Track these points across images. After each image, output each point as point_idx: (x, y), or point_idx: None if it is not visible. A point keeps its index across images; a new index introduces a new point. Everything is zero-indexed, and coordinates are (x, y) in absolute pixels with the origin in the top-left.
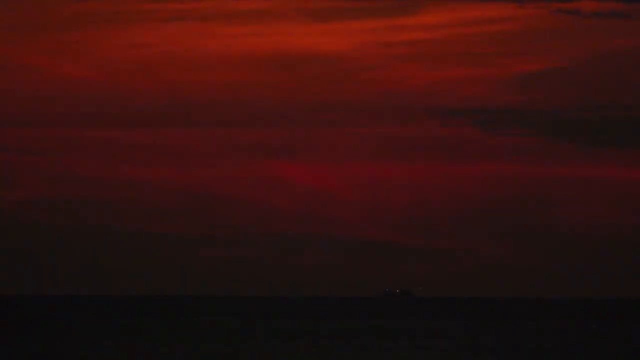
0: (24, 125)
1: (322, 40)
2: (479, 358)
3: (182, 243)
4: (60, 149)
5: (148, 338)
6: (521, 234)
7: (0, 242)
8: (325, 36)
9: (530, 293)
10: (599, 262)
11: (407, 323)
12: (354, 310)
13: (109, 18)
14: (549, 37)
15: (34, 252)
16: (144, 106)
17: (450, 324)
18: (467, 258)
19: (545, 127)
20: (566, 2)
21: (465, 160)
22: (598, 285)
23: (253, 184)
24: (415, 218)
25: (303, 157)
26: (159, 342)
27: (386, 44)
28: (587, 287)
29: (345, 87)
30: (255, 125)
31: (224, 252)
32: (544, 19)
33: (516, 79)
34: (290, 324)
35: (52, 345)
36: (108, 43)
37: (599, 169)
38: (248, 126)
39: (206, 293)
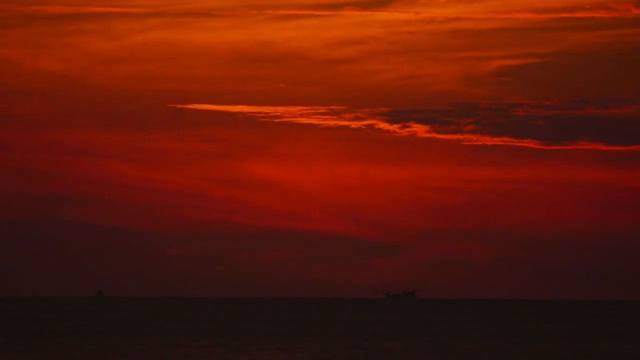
0: None
1: (293, 35)
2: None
3: (148, 241)
4: (28, 145)
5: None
6: (484, 233)
7: None
8: (297, 31)
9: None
10: (562, 264)
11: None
12: (356, 311)
13: (86, 12)
14: (526, 34)
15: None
16: (114, 102)
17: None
18: (431, 257)
19: (509, 126)
20: None
21: (432, 158)
22: (565, 287)
23: (226, 182)
24: (384, 216)
25: (273, 154)
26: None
27: (356, 39)
28: (556, 288)
29: (315, 82)
30: (227, 122)
31: (190, 251)
32: (514, 17)
33: (486, 75)
34: (292, 325)
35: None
36: (85, 37)
37: (563, 169)
38: (219, 123)
39: (177, 294)
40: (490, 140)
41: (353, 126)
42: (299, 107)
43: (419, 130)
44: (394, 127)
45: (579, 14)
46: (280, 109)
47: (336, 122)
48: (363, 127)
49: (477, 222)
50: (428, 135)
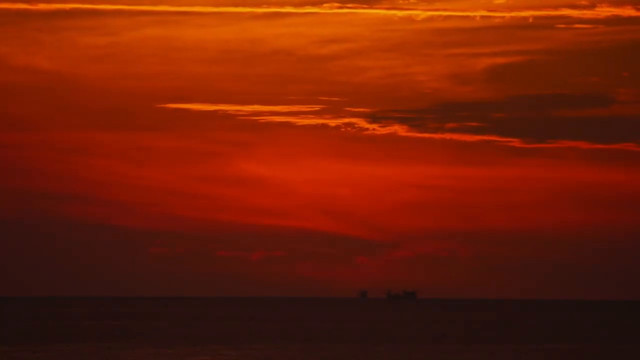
0: None
1: (281, 32)
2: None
3: (134, 239)
4: (18, 142)
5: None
6: (467, 231)
7: None
8: (285, 28)
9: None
10: (544, 262)
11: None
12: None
13: (77, 9)
14: (513, 32)
15: None
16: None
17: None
18: (415, 255)
19: (492, 124)
20: None
21: (414, 157)
22: (549, 286)
23: (212, 180)
24: (369, 214)
25: (259, 152)
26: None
27: (345, 37)
28: (539, 287)
29: (304, 80)
30: (213, 121)
31: (175, 249)
32: (501, 16)
33: (471, 74)
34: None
35: None
36: (76, 34)
37: (546, 167)
38: (206, 122)
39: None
40: (473, 139)
41: (332, 124)
42: (286, 106)
43: (400, 129)
44: (373, 126)
45: (562, 12)
46: (267, 108)
47: (316, 120)
48: (342, 125)
49: (460, 220)
50: (408, 134)
